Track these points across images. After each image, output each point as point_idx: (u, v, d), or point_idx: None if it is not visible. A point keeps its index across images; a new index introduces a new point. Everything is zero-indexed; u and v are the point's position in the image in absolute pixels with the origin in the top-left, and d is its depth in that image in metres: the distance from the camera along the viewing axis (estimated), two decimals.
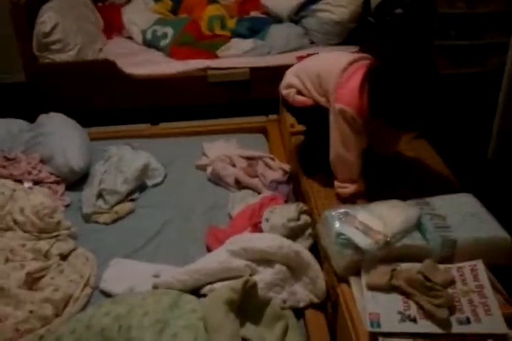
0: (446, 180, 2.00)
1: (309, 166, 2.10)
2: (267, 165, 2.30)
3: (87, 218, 2.15)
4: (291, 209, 1.85)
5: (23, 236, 1.95)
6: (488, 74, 3.86)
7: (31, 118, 2.71)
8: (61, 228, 2.00)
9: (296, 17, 3.61)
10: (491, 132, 3.03)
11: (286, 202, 2.07)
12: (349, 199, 1.89)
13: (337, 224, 1.59)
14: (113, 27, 3.98)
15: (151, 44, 3.70)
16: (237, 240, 1.75)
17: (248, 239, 1.73)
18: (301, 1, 3.60)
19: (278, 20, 3.69)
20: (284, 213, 1.83)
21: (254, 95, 3.37)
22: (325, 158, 2.02)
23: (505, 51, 2.98)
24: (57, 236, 1.96)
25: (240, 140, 2.62)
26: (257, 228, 1.86)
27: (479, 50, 4.11)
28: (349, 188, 1.89)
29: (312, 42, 3.53)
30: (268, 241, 1.68)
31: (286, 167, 2.27)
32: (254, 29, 3.61)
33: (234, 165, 2.34)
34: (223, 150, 2.48)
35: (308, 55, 2.54)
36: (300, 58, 2.59)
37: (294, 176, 2.24)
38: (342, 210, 1.65)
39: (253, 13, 3.90)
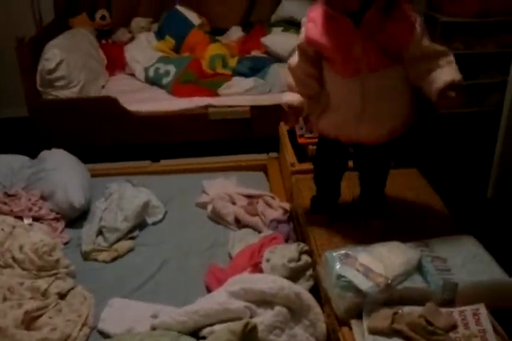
0: (445, 220, 2.00)
1: (315, 204, 2.11)
2: (267, 203, 2.31)
3: (86, 256, 2.14)
4: (292, 249, 1.85)
5: (22, 274, 1.94)
6: (486, 114, 3.91)
7: (33, 153, 2.74)
8: (60, 266, 1.99)
9: None
10: (490, 171, 3.05)
11: (286, 241, 2.07)
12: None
13: (338, 266, 1.58)
14: (116, 64, 4.03)
15: (153, 81, 3.75)
16: (237, 281, 1.74)
17: (248, 280, 1.72)
18: None
19: (278, 59, 3.74)
20: (285, 253, 1.83)
21: (254, 133, 3.41)
22: (331, 199, 2.07)
23: (503, 90, 3.02)
24: (56, 274, 1.94)
25: (240, 177, 2.63)
26: (257, 268, 1.85)
27: (477, 89, 4.16)
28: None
29: None
30: (268, 282, 1.67)
31: (287, 206, 2.27)
32: (255, 68, 3.66)
33: (234, 203, 2.35)
34: (223, 187, 2.49)
35: None
36: None
37: (294, 215, 2.24)
38: (343, 251, 1.65)
39: (254, 53, 3.95)
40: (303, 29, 1.78)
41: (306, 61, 1.81)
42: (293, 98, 1.86)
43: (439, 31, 3.95)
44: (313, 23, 1.74)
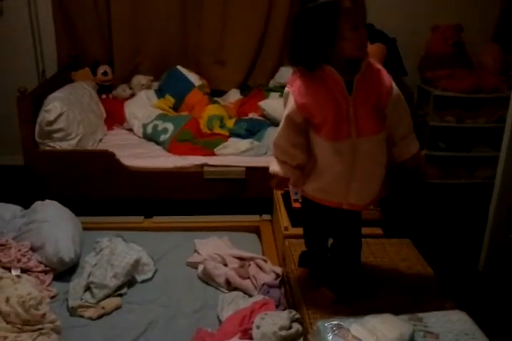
0: (437, 294, 2.00)
1: (302, 259, 2.15)
2: (259, 266, 2.30)
3: (72, 311, 2.10)
4: (283, 317, 1.82)
5: (6, 327, 1.89)
6: (477, 186, 3.97)
7: (26, 202, 2.73)
8: (45, 321, 1.94)
9: None
10: (481, 244, 3.06)
11: (277, 306, 2.04)
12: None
13: (330, 337, 1.57)
14: (114, 119, 4.09)
15: (150, 138, 3.79)
16: None
17: None
18: None
19: (275, 123, 3.81)
20: (276, 320, 1.80)
21: (248, 194, 3.42)
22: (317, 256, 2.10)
23: (493, 164, 3.06)
24: (41, 329, 1.90)
25: (233, 238, 2.62)
26: (247, 334, 1.82)
27: (467, 162, 4.25)
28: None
29: None
30: None
31: (279, 270, 2.26)
32: (252, 130, 3.72)
33: (226, 265, 2.34)
34: (215, 248, 2.48)
35: None
36: None
37: (286, 280, 2.23)
38: (335, 322, 1.64)
39: (251, 115, 4.01)
40: (290, 99, 1.82)
41: (294, 129, 1.84)
42: (278, 169, 1.92)
43: (432, 104, 4.07)
44: (299, 92, 1.79)
